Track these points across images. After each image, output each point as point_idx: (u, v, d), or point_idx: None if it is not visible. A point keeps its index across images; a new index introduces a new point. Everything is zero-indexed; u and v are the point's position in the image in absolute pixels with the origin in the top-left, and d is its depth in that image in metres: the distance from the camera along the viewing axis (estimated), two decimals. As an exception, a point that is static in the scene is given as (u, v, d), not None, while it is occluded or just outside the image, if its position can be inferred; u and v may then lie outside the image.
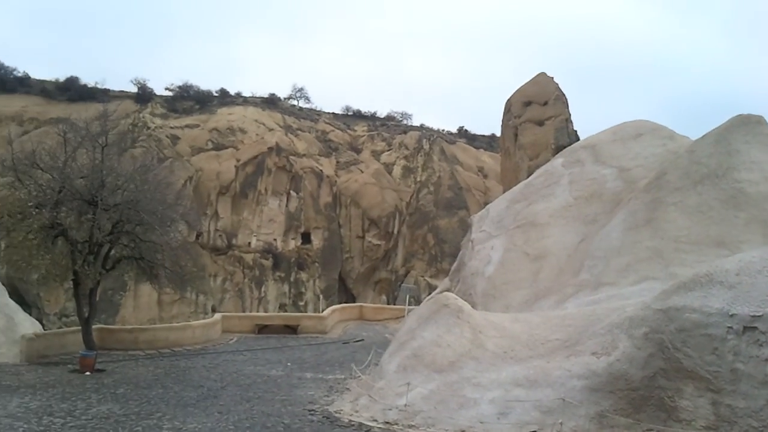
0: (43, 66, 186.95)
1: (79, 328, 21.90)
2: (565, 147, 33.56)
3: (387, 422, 12.90)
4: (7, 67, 73.24)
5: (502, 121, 47.47)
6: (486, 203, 68.51)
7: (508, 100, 46.38)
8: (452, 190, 74.50)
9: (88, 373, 18.83)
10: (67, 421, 13.10)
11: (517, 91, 46.42)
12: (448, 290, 25.13)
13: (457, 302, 16.36)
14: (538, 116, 44.11)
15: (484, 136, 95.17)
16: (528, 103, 45.03)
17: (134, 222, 20.07)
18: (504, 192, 39.83)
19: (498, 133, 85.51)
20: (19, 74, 73.82)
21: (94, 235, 19.79)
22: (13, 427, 12.42)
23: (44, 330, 27.75)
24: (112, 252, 21.04)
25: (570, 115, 44.49)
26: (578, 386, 11.46)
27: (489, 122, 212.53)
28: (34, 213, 18.69)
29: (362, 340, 28.81)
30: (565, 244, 23.37)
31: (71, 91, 72.10)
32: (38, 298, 53.59)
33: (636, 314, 11.48)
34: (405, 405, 13.15)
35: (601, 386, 11.15)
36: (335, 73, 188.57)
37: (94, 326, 21.87)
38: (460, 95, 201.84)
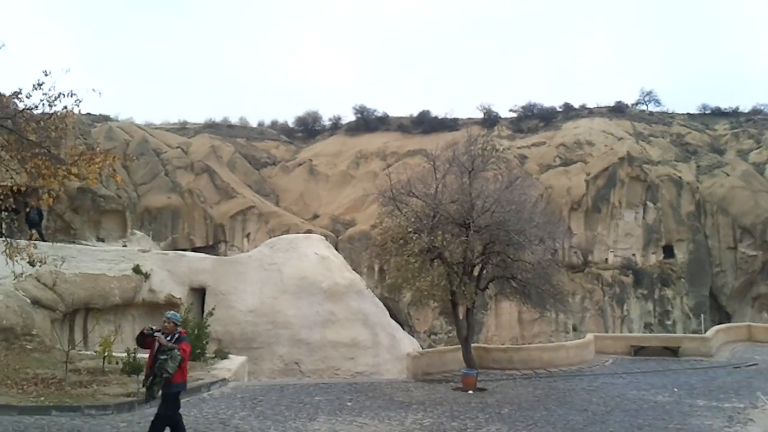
0: (399, 105, 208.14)
1: (457, 346, 22.68)
2: None
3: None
4: (369, 109, 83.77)
5: None
6: None
7: None
8: None
9: (470, 391, 19.20)
10: (462, 441, 13.27)
11: None
12: None
13: None
14: None
15: None
16: None
17: (503, 242, 20.11)
18: None
19: None
20: (379, 114, 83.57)
21: (467, 256, 20.41)
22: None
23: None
24: (485, 272, 21.46)
25: None
26: None
27: None
28: (414, 238, 19.90)
29: (756, 364, 25.04)
30: None
31: (424, 124, 78.72)
32: (409, 317, 58.18)
33: None
34: None
35: None
36: (685, 70, 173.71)
37: (470, 345, 22.44)
38: None
